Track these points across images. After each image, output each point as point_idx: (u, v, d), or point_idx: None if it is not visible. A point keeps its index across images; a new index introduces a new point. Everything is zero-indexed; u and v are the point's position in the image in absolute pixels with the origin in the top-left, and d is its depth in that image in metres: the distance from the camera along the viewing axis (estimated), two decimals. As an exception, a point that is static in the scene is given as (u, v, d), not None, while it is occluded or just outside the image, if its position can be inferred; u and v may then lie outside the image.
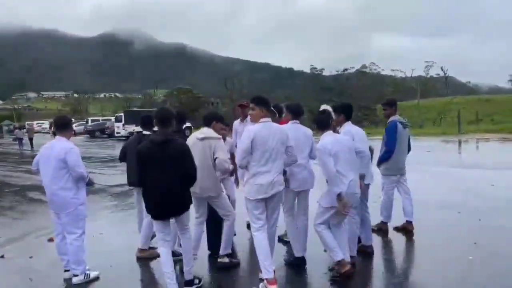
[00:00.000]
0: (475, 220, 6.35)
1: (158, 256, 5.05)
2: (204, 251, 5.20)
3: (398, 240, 5.69)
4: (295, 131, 4.58)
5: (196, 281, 4.28)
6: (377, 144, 6.06)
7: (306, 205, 4.78)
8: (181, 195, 4.07)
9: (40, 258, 5.42)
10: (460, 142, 20.54)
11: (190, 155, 4.10)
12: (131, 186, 5.55)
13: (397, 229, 5.98)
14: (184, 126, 5.78)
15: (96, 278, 4.59)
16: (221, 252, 4.82)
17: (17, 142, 28.72)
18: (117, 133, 35.83)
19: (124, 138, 35.01)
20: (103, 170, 14.56)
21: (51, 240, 6.11)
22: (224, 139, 5.03)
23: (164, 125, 4.10)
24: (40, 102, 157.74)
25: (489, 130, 25.94)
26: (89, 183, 4.76)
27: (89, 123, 43.93)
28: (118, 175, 12.38)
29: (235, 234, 5.28)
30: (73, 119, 57.27)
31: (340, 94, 52.27)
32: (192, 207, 5.02)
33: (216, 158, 4.51)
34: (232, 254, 5.05)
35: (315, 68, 73.98)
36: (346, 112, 5.00)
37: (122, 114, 36.92)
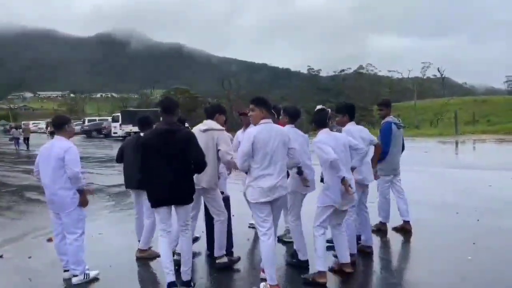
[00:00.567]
0: (474, 221, 6.37)
1: (158, 256, 5.06)
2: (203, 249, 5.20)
3: (397, 241, 5.71)
4: (295, 134, 4.58)
5: (192, 284, 4.22)
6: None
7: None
8: (185, 183, 4.07)
9: (39, 258, 5.40)
10: (457, 143, 20.61)
11: (197, 143, 4.12)
12: (128, 188, 5.54)
13: (396, 229, 6.00)
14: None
15: (96, 278, 4.57)
16: (216, 253, 4.78)
17: (13, 142, 28.61)
18: (114, 133, 35.76)
19: (121, 138, 34.92)
20: (100, 170, 14.53)
21: (50, 240, 6.10)
22: None
23: (168, 113, 4.10)
24: (36, 102, 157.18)
25: (486, 131, 26.04)
26: (80, 190, 4.48)
27: (86, 123, 43.81)
28: (115, 175, 12.35)
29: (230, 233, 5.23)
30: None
31: (337, 95, 52.33)
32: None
33: (219, 149, 4.49)
34: (231, 253, 5.04)
35: (312, 68, 74.09)
36: (350, 113, 5.04)
37: (119, 114, 36.86)
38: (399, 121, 6.01)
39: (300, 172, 4.35)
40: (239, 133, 5.95)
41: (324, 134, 4.35)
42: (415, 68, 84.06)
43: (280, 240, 5.41)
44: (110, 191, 10.07)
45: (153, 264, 5.06)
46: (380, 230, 5.96)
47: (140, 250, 5.25)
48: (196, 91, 59.63)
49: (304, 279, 4.34)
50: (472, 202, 7.64)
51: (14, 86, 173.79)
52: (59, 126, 4.57)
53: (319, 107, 4.95)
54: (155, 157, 4.01)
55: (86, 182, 4.64)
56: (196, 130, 4.64)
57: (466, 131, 25.10)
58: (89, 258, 4.70)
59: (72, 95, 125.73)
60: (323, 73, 75.04)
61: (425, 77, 74.37)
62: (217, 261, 4.78)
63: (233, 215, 5.43)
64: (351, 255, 4.58)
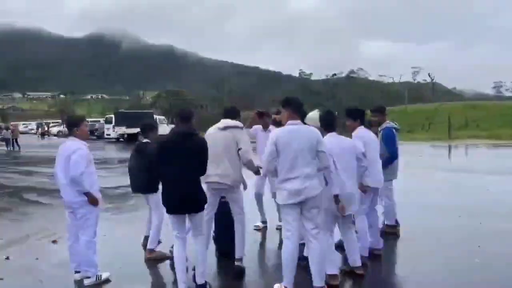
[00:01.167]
0: (477, 224, 6.50)
1: (166, 257, 5.10)
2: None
3: (403, 244, 5.79)
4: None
5: (208, 286, 4.22)
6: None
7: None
8: (198, 191, 4.13)
9: (46, 260, 5.39)
10: (450, 148, 20.89)
11: (207, 152, 4.17)
12: (135, 192, 5.59)
13: (385, 233, 5.91)
14: None
15: (108, 280, 4.57)
16: (238, 255, 4.69)
17: (4, 142, 28.31)
18: (107, 134, 35.55)
19: (114, 140, 34.73)
20: (97, 172, 14.43)
21: (54, 242, 6.12)
22: None
23: (185, 122, 4.20)
24: (26, 103, 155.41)
25: (478, 136, 26.45)
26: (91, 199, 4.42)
27: (78, 125, 43.40)
28: (113, 177, 12.28)
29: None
30: (60, 120, 55.98)
31: (330, 98, 52.63)
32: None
33: (240, 148, 4.48)
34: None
35: (304, 72, 74.62)
36: (361, 117, 5.06)
37: (113, 115, 36.67)
38: (396, 124, 6.11)
39: (337, 201, 4.18)
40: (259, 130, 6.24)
41: (329, 138, 4.33)
42: (406, 73, 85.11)
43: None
44: (110, 193, 10.03)
45: (162, 265, 5.08)
46: (390, 233, 6.00)
47: (149, 252, 5.27)
48: (187, 93, 59.51)
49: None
50: (472, 205, 7.79)
51: (1, 86, 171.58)
52: (71, 126, 4.59)
53: (314, 112, 5.00)
54: (172, 161, 4.03)
55: (94, 185, 4.52)
56: (213, 129, 4.64)
57: (459, 135, 25.43)
58: (98, 260, 4.66)
59: (62, 96, 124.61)
60: (314, 77, 75.47)
61: (415, 82, 75.21)
62: (236, 263, 4.67)
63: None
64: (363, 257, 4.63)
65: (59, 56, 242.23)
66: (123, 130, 32.94)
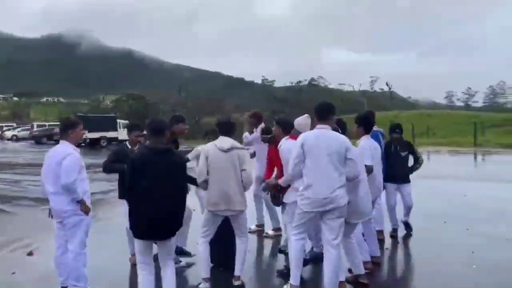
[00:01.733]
0: (463, 229, 6.72)
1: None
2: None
3: (394, 250, 5.93)
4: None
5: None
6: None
7: None
8: (176, 213, 3.70)
9: (24, 274, 5.07)
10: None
11: (186, 169, 3.97)
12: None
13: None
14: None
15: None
16: (237, 273, 4.54)
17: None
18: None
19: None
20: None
21: (30, 254, 5.83)
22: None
23: (158, 135, 3.75)
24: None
25: (438, 143, 27.66)
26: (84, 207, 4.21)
27: (35, 128, 41.75)
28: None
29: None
30: (14, 124, 53.35)
31: (294, 105, 53.29)
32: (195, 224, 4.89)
33: (244, 169, 4.36)
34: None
35: (266, 79, 75.30)
36: (364, 124, 5.03)
37: (74, 119, 35.42)
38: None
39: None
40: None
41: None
42: (364, 82, 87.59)
43: (281, 251, 5.31)
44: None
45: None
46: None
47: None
48: (149, 97, 58.47)
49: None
50: (455, 211, 8.04)
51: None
52: (67, 128, 4.30)
53: (305, 116, 5.02)
54: (146, 180, 3.58)
55: (87, 192, 4.25)
56: (213, 149, 4.36)
57: (421, 143, 26.44)
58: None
59: (15, 98, 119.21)
60: (277, 84, 76.30)
61: (372, 91, 77.53)
62: (235, 282, 4.52)
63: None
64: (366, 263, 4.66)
65: (13, 57, 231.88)
66: (85, 134, 31.94)
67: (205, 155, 4.35)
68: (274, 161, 4.88)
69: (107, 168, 5.24)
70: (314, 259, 4.91)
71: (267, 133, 5.67)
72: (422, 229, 6.61)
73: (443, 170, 13.56)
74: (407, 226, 6.46)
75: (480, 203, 8.83)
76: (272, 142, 5.13)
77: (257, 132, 6.22)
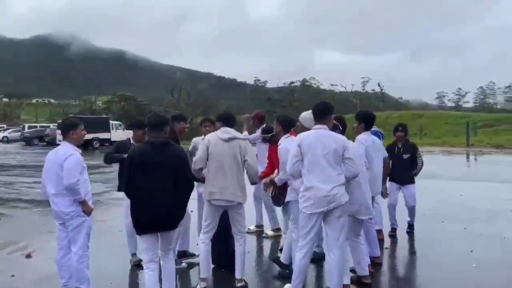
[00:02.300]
0: (461, 229, 6.79)
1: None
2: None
3: (393, 250, 5.96)
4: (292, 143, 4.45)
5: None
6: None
7: None
8: (177, 204, 3.74)
9: (23, 277, 5.01)
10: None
11: (188, 161, 3.98)
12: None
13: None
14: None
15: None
16: (239, 275, 4.45)
17: None
18: (59, 140, 33.89)
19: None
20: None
21: (29, 256, 5.77)
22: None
23: (157, 130, 3.80)
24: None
25: (432, 143, 27.87)
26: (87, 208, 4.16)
27: (26, 130, 41.31)
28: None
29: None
30: (4, 125, 52.75)
31: (288, 106, 53.43)
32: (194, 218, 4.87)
33: (246, 160, 4.29)
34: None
35: (259, 80, 75.30)
36: (365, 121, 5.06)
37: (65, 121, 35.13)
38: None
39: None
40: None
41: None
42: (356, 83, 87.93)
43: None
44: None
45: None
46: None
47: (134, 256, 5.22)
48: (140, 98, 58.29)
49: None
50: (452, 211, 8.11)
51: None
52: (68, 129, 4.24)
53: (310, 111, 5.00)
54: (145, 174, 3.64)
55: (88, 193, 4.21)
56: (214, 138, 4.33)
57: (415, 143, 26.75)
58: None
59: (5, 99, 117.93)
60: (269, 85, 76.35)
61: (364, 92, 77.88)
62: (238, 285, 4.45)
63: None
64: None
65: (1, 58, 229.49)
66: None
67: (206, 144, 4.32)
68: (274, 162, 4.89)
69: (107, 158, 5.33)
70: (314, 259, 4.90)
71: (267, 133, 5.67)
72: (420, 229, 6.63)
73: (437, 170, 13.65)
74: (410, 226, 6.53)
75: (476, 203, 8.92)
76: (273, 141, 5.13)
77: (258, 131, 6.21)
